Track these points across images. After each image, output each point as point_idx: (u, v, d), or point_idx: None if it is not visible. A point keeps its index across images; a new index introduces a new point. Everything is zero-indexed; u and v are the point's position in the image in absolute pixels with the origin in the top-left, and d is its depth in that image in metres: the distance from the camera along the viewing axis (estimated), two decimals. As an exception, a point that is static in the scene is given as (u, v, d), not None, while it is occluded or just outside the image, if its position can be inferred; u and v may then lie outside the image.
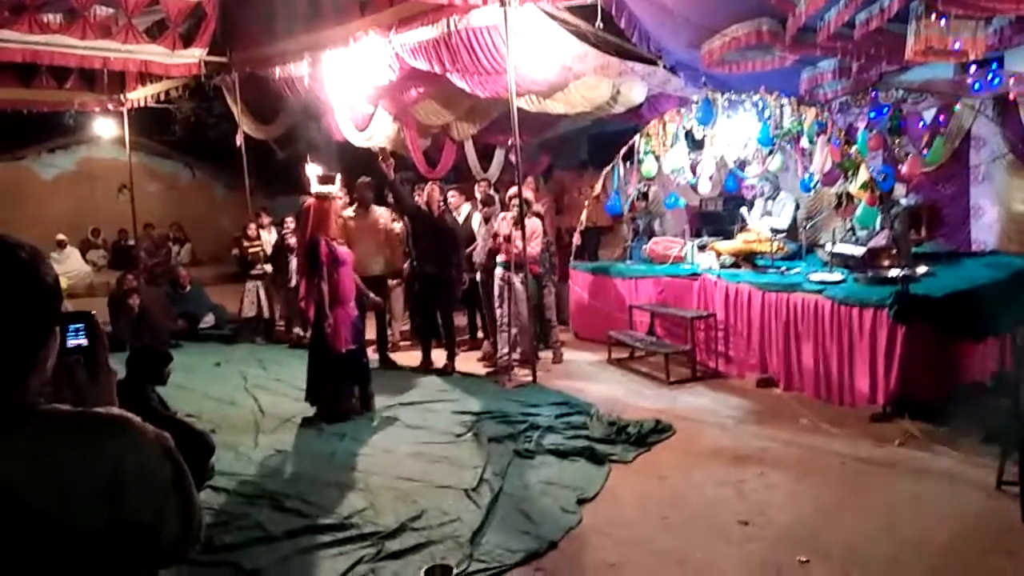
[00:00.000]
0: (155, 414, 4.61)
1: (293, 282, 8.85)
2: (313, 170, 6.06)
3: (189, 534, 1.22)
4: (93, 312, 1.35)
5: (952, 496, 4.24)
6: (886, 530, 3.85)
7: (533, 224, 7.30)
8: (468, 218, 8.82)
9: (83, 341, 1.31)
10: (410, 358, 8.02)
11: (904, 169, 7.87)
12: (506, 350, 7.28)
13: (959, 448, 4.86)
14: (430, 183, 7.76)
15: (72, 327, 1.30)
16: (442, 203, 7.77)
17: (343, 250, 6.06)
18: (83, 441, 1.12)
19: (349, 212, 7.89)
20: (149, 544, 1.16)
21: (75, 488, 1.09)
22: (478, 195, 8.56)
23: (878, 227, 6.89)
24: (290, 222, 9.14)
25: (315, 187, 6.00)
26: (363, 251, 7.70)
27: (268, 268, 9.58)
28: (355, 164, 10.84)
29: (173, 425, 4.70)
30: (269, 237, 9.76)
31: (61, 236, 13.68)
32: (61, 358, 1.26)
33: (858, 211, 6.57)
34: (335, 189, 6.17)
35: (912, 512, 4.06)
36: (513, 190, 7.24)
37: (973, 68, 7.40)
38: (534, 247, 7.25)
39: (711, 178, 8.12)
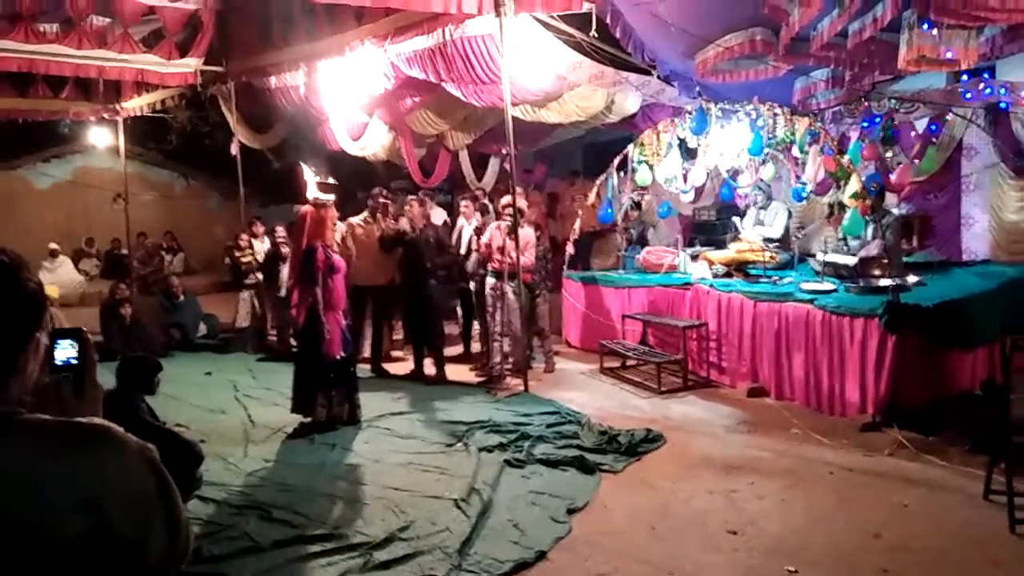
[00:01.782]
0: (144, 424, 4.59)
1: (283, 292, 8.83)
2: (311, 176, 6.06)
3: (176, 549, 1.19)
4: (83, 328, 1.34)
5: (940, 506, 4.24)
6: (875, 540, 3.85)
7: (526, 234, 7.30)
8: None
9: (72, 358, 1.30)
10: (403, 368, 8.00)
11: (894, 178, 7.90)
12: (498, 359, 7.27)
13: (948, 458, 4.87)
14: (410, 199, 7.84)
15: (61, 343, 1.29)
16: (425, 217, 7.85)
17: (338, 258, 6.08)
18: (63, 451, 1.10)
19: (358, 220, 7.89)
20: (134, 559, 1.13)
21: (53, 499, 1.07)
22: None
23: (869, 237, 6.91)
24: (281, 231, 9.11)
25: (312, 194, 6.00)
26: (370, 260, 7.72)
27: (260, 277, 9.54)
28: (349, 173, 10.88)
29: (162, 435, 4.68)
30: (262, 246, 9.73)
31: (54, 245, 13.64)
32: (49, 374, 1.26)
33: (846, 219, 6.59)
34: (333, 197, 6.18)
35: (901, 522, 4.05)
36: (506, 199, 7.25)
37: (965, 77, 7.45)
38: (527, 257, 7.26)
39: (698, 189, 8.14)
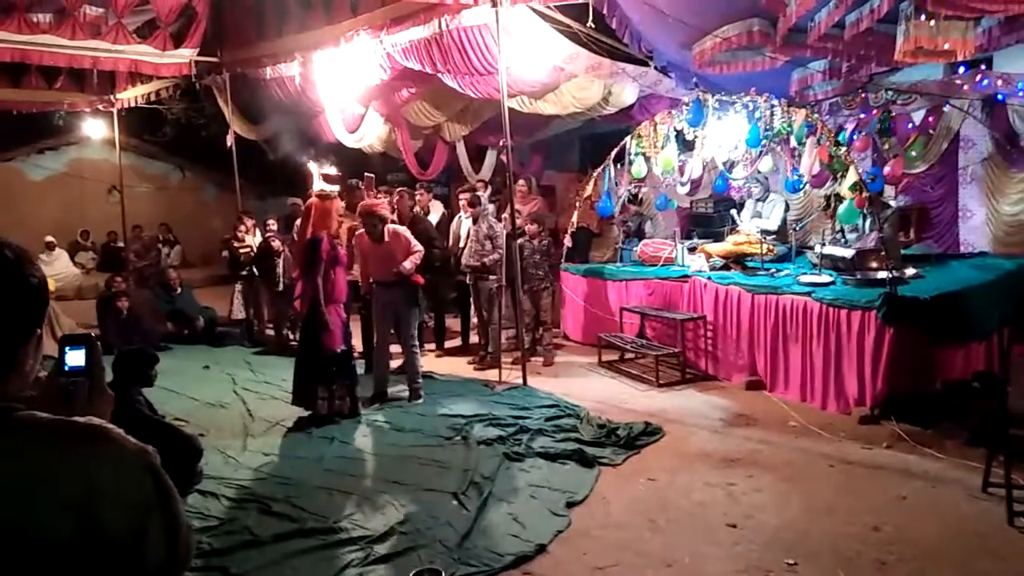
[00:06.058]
0: (142, 417, 4.59)
1: (281, 285, 8.78)
2: (316, 169, 6.08)
3: (176, 556, 1.17)
4: (92, 335, 1.34)
5: (939, 498, 4.25)
6: (873, 532, 3.86)
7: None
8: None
9: (81, 364, 1.29)
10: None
11: (887, 170, 7.90)
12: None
13: (946, 450, 4.89)
14: (397, 191, 7.84)
15: (71, 349, 1.29)
16: (411, 209, 7.83)
17: (342, 250, 6.08)
18: (56, 450, 1.09)
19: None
20: (129, 564, 1.11)
21: (42, 497, 1.05)
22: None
23: (867, 229, 6.90)
24: (272, 224, 9.06)
25: (318, 185, 6.01)
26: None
27: (254, 270, 9.47)
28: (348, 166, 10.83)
29: (160, 429, 4.69)
30: (252, 240, 9.66)
31: (50, 238, 13.58)
32: (58, 379, 1.26)
33: (841, 208, 6.59)
34: (338, 188, 6.21)
35: (899, 514, 4.07)
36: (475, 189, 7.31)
37: (962, 69, 7.44)
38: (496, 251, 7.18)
39: (694, 181, 8.12)
